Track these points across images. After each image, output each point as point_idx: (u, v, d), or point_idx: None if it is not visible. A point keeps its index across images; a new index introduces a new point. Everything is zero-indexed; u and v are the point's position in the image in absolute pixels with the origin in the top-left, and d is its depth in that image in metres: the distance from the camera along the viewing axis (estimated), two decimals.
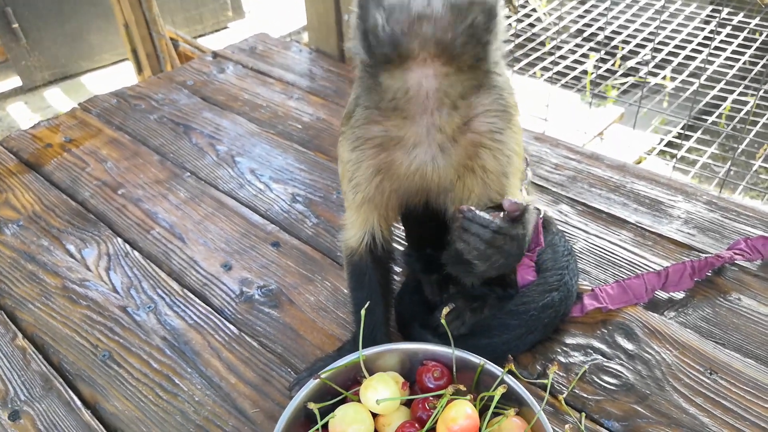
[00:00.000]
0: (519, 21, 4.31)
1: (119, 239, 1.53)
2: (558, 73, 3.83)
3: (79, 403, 1.16)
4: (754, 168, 3.17)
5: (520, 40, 4.14)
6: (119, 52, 4.62)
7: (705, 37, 4.06)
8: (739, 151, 3.24)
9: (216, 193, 1.66)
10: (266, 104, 2.04)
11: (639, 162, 3.23)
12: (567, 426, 0.96)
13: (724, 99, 3.54)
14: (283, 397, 1.15)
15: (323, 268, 1.43)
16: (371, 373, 0.98)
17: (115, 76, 4.60)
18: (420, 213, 1.09)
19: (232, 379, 1.19)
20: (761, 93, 3.38)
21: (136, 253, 1.49)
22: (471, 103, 0.93)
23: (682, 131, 3.42)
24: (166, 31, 3.22)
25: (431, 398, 0.94)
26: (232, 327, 1.29)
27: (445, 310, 1.00)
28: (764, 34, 4.01)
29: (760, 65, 3.71)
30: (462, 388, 0.89)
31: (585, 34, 4.19)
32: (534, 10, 4.22)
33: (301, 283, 1.39)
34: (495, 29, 0.86)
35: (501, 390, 0.88)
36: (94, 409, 1.15)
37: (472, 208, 0.88)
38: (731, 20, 4.21)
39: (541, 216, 1.30)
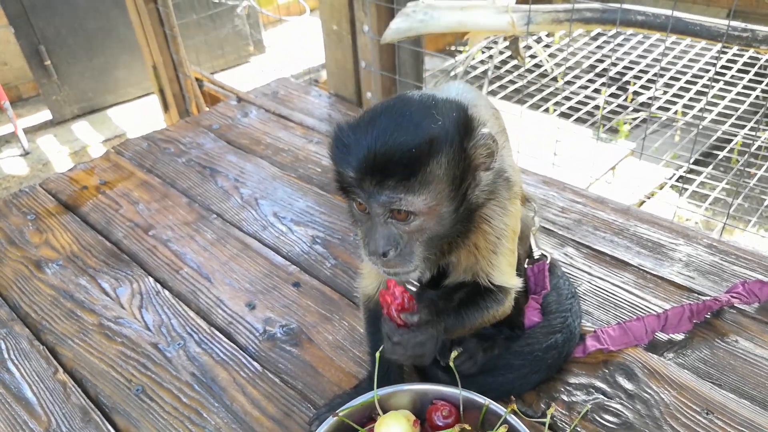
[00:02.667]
0: (532, 57, 4.43)
1: (150, 278, 1.64)
2: (570, 108, 3.93)
3: None
4: (767, 203, 3.22)
5: (532, 76, 4.25)
6: (144, 87, 4.82)
7: (716, 72, 4.14)
8: (751, 184, 3.29)
9: (240, 235, 1.77)
10: (288, 148, 2.16)
11: (651, 196, 3.30)
12: None
13: (736, 134, 3.61)
14: (303, 431, 1.23)
15: (341, 308, 1.52)
16: (385, 412, 1.07)
17: (140, 110, 4.79)
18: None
19: (256, 413, 1.28)
20: None
21: (167, 292, 1.59)
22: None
23: (693, 166, 3.48)
24: (191, 72, 3.38)
25: None
26: (255, 364, 1.39)
27: (454, 354, 1.09)
28: None
29: None
30: (467, 427, 0.98)
31: (597, 70, 4.29)
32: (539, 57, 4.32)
33: (320, 322, 1.48)
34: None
35: (503, 429, 0.96)
36: None
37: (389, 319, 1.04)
38: (741, 55, 4.30)
39: (548, 261, 1.39)
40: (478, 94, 1.26)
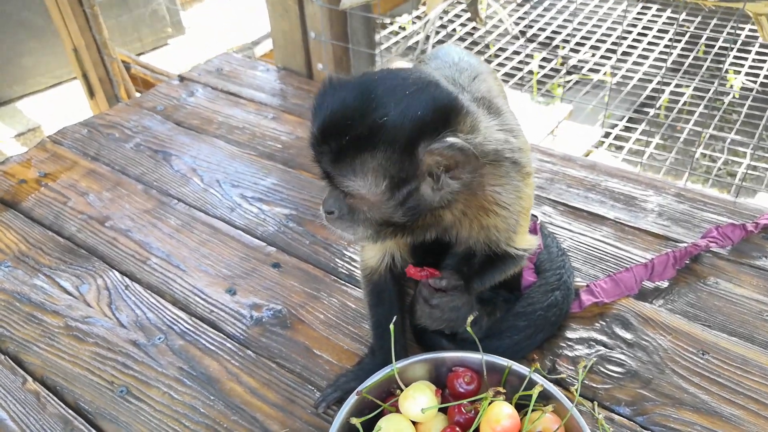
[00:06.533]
0: (462, 25, 4.44)
1: (115, 272, 1.52)
2: (505, 74, 3.98)
3: None
4: (696, 155, 3.38)
5: (464, 44, 4.26)
6: (56, 75, 4.47)
7: (639, 33, 4.30)
8: (681, 140, 3.45)
9: (208, 219, 1.67)
10: (242, 126, 2.05)
11: (587, 155, 3.40)
12: (600, 417, 1.04)
13: (662, 91, 3.77)
14: (310, 415, 1.18)
15: (327, 285, 1.46)
16: (404, 384, 1.03)
17: (55, 100, 4.44)
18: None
19: (257, 402, 1.21)
20: (694, 84, 3.61)
21: (136, 285, 1.48)
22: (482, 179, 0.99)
23: (627, 124, 3.61)
24: (117, 54, 3.16)
25: (467, 403, 0.99)
26: (248, 351, 1.31)
27: (470, 318, 1.06)
28: (691, 28, 4.28)
29: (690, 57, 3.96)
30: (501, 389, 0.96)
31: (527, 35, 4.35)
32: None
33: (308, 302, 1.42)
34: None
35: (538, 388, 0.95)
36: None
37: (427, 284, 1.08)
38: (660, 16, 4.47)
39: (538, 221, 1.38)
40: (479, 62, 1.21)
